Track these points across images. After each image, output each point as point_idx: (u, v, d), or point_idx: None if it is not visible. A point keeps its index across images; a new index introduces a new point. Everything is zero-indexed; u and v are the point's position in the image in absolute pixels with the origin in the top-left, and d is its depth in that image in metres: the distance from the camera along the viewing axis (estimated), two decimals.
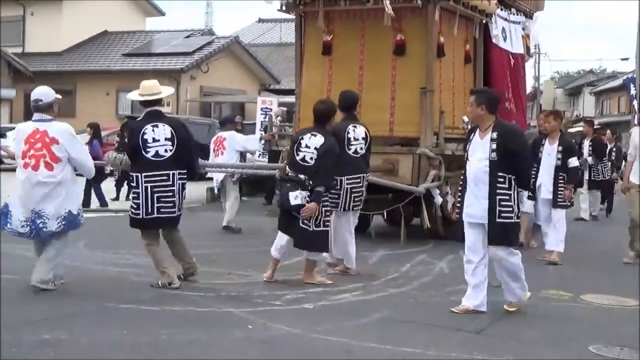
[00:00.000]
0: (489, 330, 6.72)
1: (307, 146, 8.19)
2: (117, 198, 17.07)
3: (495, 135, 7.03)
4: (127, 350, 5.76)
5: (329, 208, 8.35)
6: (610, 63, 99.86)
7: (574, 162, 10.55)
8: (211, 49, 33.69)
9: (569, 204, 10.69)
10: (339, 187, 8.70)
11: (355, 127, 9.00)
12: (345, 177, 8.77)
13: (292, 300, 7.55)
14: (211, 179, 15.87)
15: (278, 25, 40.43)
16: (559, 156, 10.45)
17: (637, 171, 10.26)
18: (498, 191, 7.00)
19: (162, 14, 40.88)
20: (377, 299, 7.86)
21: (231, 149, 12.54)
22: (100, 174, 13.69)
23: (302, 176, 8.07)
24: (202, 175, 12.58)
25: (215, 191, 13.22)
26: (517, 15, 14.06)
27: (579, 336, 6.65)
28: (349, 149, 8.87)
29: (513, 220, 7.07)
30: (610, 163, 17.34)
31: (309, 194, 8.01)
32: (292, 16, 13.28)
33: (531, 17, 14.69)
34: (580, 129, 19.32)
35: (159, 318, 6.72)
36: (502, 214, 7.00)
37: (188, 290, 7.86)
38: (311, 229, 8.12)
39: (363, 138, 8.98)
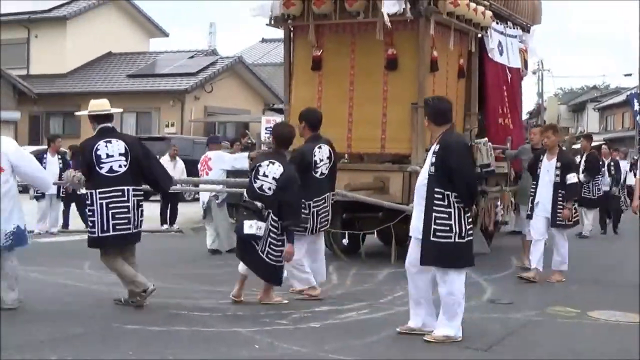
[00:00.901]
0: (497, 347, 6.68)
1: (265, 175, 7.90)
2: None
3: (437, 148, 6.68)
4: None
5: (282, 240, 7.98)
6: (613, 79, 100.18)
7: (572, 178, 10.06)
8: (215, 69, 33.79)
9: (570, 223, 10.28)
10: (307, 211, 8.42)
11: (320, 147, 8.69)
12: (313, 200, 8.51)
13: (298, 319, 7.51)
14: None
15: (281, 45, 40.43)
16: (558, 172, 9.99)
17: None
18: (435, 208, 6.56)
19: (165, 34, 41.04)
20: (383, 316, 7.83)
21: (217, 169, 12.38)
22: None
23: (259, 204, 7.83)
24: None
25: (202, 212, 13.07)
26: (514, 29, 13.83)
27: (587, 352, 6.62)
28: (315, 172, 8.58)
29: (452, 241, 6.56)
30: (610, 178, 17.31)
31: (263, 223, 7.77)
32: None
33: (528, 31, 14.47)
34: None
35: (165, 338, 6.69)
36: (437, 233, 6.54)
37: (194, 310, 7.84)
38: (271, 262, 7.90)
39: (328, 157, 8.71)
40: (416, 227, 6.73)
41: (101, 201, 7.66)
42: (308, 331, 7.11)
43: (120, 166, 7.77)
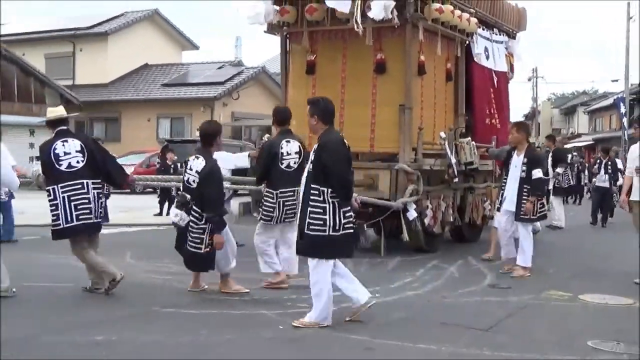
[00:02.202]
0: (497, 327, 6.68)
1: (190, 168, 7.74)
2: (160, 213, 17.13)
3: (316, 146, 6.47)
4: (169, 349, 5.77)
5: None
6: (601, 84, 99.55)
7: (537, 173, 9.41)
8: (241, 78, 33.86)
9: (534, 217, 9.61)
10: (273, 200, 8.24)
11: (288, 141, 8.44)
12: (279, 190, 8.25)
13: None
14: (244, 194, 15.88)
15: None
16: (524, 168, 9.46)
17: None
18: (311, 203, 6.36)
19: (196, 47, 41.12)
20: (394, 300, 7.83)
21: (222, 168, 11.92)
22: None
23: (188, 196, 7.68)
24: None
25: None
26: (500, 35, 13.41)
27: (579, 332, 6.60)
28: (282, 163, 8.27)
29: (326, 234, 6.35)
30: (607, 176, 17.21)
31: (188, 215, 7.62)
32: None
33: (514, 37, 14.02)
34: (577, 144, 19.34)
35: (198, 320, 6.73)
36: (311, 226, 6.36)
37: (224, 295, 7.87)
38: (201, 252, 7.66)
39: (297, 152, 8.40)
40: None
41: (63, 195, 7.60)
42: None
43: (78, 162, 7.73)
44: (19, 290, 7.54)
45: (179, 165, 16.78)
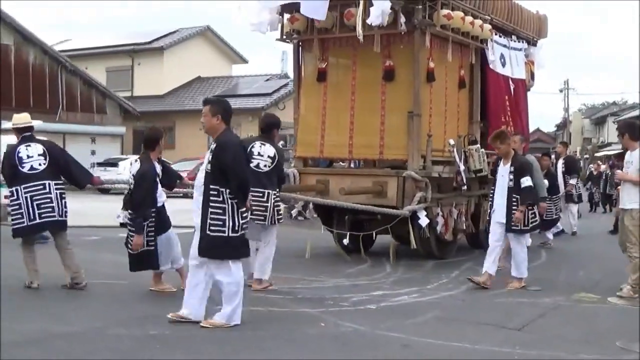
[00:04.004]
0: (529, 327, 6.60)
1: (131, 172, 7.70)
2: None
3: (214, 146, 6.18)
4: (219, 342, 5.80)
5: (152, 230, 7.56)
6: (631, 95, 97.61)
7: (527, 181, 8.48)
8: (286, 90, 33.91)
9: (525, 228, 8.66)
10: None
11: (263, 144, 8.14)
12: None
13: (357, 302, 7.52)
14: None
15: None
16: (512, 177, 8.54)
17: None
18: (211, 204, 6.08)
19: (245, 61, 41.37)
20: (431, 300, 7.78)
21: None
22: None
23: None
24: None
25: None
26: (519, 42, 12.66)
27: (607, 333, 6.49)
28: (251, 162, 7.91)
29: (225, 235, 6.10)
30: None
31: (128, 213, 7.54)
32: None
33: (535, 45, 13.31)
34: (607, 152, 18.99)
35: (246, 316, 6.71)
36: (212, 227, 6.08)
37: (270, 293, 7.89)
38: (128, 250, 7.60)
39: (270, 157, 8.07)
40: (197, 223, 6.22)
41: (26, 195, 7.68)
42: (366, 312, 7.11)
43: (40, 164, 7.81)
44: (87, 287, 7.68)
45: None
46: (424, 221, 9.97)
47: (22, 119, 8.23)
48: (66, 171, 8.06)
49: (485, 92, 11.72)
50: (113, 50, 36.40)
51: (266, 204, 7.97)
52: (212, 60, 38.42)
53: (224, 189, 6.08)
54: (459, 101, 11.32)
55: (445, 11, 10.14)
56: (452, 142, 10.56)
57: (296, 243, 11.24)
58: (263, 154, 8.10)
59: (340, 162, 11.97)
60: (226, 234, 6.10)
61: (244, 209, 6.29)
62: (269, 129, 8.44)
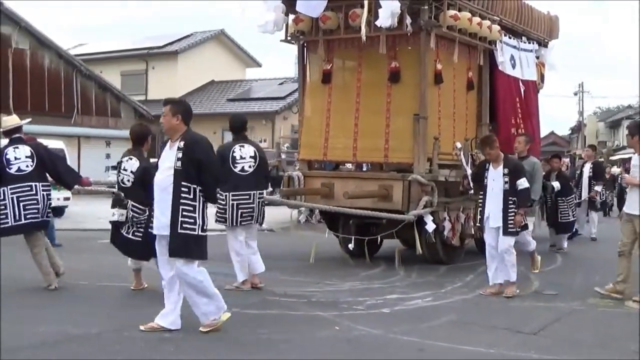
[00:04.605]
0: (544, 332, 6.57)
1: (125, 169, 7.79)
2: None
3: (182, 144, 6.04)
4: (232, 346, 5.82)
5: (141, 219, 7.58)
6: None
7: (523, 183, 8.20)
8: None
9: (519, 230, 8.44)
10: (224, 202, 8.03)
11: (242, 146, 8.23)
12: (231, 193, 8.01)
13: (372, 306, 7.51)
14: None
15: None
16: (507, 179, 8.19)
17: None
18: (182, 201, 5.94)
19: (259, 65, 41.44)
20: (445, 304, 7.76)
21: None
22: None
23: (122, 194, 7.71)
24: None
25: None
26: (529, 43, 12.46)
27: (623, 337, 6.44)
28: (235, 167, 8.08)
29: (196, 233, 5.97)
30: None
31: (125, 209, 7.61)
32: None
33: (546, 46, 13.04)
34: (622, 156, 18.82)
35: (259, 320, 6.77)
36: (184, 225, 5.94)
37: (284, 296, 7.90)
38: (136, 239, 7.67)
39: (251, 157, 8.18)
40: (157, 225, 6.13)
41: (12, 195, 7.84)
42: (380, 315, 7.10)
43: (27, 166, 7.98)
44: (100, 289, 7.72)
45: None
46: (430, 226, 9.85)
47: (10, 121, 8.42)
48: (54, 173, 8.26)
49: (495, 94, 11.55)
50: (127, 55, 36.61)
51: (252, 205, 8.15)
52: (226, 64, 38.53)
53: (195, 186, 5.98)
54: (468, 103, 11.18)
55: (451, 12, 9.97)
56: (459, 145, 10.42)
57: (309, 247, 11.22)
58: (245, 155, 8.21)
59: (347, 165, 11.88)
60: (196, 232, 5.99)
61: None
62: (242, 129, 8.53)
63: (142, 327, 6.13)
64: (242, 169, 8.13)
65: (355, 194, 9.97)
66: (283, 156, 12.06)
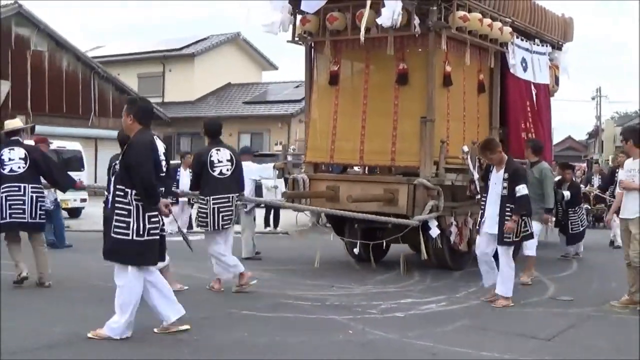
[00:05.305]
0: (558, 337, 6.53)
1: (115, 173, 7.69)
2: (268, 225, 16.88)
3: (126, 146, 5.98)
4: (247, 349, 5.83)
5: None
6: None
7: (522, 189, 7.76)
8: None
9: (516, 239, 7.95)
10: (206, 206, 8.09)
11: (218, 150, 8.31)
12: (212, 197, 8.08)
13: (386, 310, 7.50)
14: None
15: None
16: (505, 184, 7.83)
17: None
18: (116, 205, 5.82)
19: (275, 68, 41.48)
20: (459, 309, 7.74)
21: (247, 178, 10.41)
22: None
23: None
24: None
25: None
26: (542, 46, 12.17)
27: (637, 343, 6.39)
28: (213, 171, 8.16)
29: (129, 238, 5.78)
30: None
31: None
32: None
33: (560, 49, 12.78)
34: None
35: (274, 323, 6.78)
36: (116, 229, 5.79)
37: (298, 300, 7.90)
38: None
39: (228, 160, 8.27)
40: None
41: (2, 195, 8.10)
42: (394, 320, 7.09)
43: (19, 167, 8.25)
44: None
45: None
46: (434, 232, 9.66)
47: (11, 124, 8.74)
48: (48, 176, 8.55)
49: (505, 97, 11.32)
50: (144, 57, 36.76)
51: (232, 208, 8.28)
52: (243, 67, 38.60)
53: (129, 190, 5.83)
54: (479, 106, 10.99)
55: (461, 13, 9.75)
56: (465, 149, 10.08)
57: (322, 250, 11.22)
58: (222, 159, 8.30)
59: (355, 168, 11.80)
60: (130, 237, 5.79)
61: (155, 212, 5.93)
62: (217, 133, 8.59)
63: (156, 330, 6.15)
64: (220, 172, 8.25)
65: (359, 197, 9.86)
66: (289, 158, 11.96)
